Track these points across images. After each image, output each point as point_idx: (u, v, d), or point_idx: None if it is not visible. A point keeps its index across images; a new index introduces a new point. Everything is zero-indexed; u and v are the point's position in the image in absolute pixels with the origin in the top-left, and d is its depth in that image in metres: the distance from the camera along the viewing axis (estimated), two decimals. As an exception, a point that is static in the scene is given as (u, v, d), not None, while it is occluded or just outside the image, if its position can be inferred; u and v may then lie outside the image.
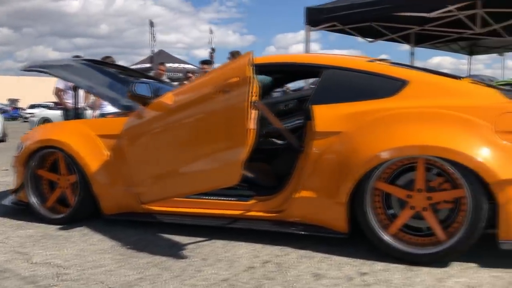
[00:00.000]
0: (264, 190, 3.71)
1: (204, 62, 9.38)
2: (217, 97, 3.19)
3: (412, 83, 3.28)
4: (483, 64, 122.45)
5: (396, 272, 2.87)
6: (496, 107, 3.00)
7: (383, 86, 3.32)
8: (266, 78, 4.31)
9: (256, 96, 3.23)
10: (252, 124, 3.13)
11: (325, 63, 3.58)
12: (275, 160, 4.13)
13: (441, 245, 2.98)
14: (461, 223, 2.96)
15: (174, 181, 3.43)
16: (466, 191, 2.91)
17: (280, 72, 4.45)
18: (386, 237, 3.10)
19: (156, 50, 23.36)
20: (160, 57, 21.64)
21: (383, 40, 8.08)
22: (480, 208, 2.87)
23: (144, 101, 3.69)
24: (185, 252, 3.30)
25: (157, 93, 3.75)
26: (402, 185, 3.16)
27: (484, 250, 3.09)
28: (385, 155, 3.05)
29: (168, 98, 3.54)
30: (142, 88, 3.66)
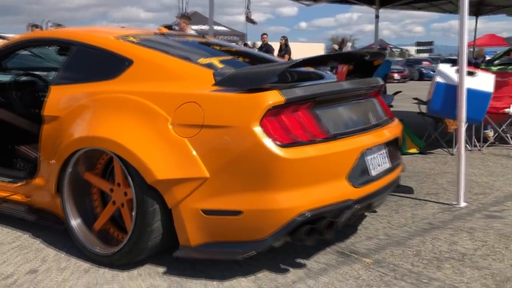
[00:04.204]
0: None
1: (165, 27, 9.12)
2: None
3: (136, 63, 2.90)
4: None
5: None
6: (180, 95, 2.57)
7: (112, 66, 2.97)
8: None
9: None
10: None
11: (72, 38, 3.26)
12: None
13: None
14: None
15: None
16: (132, 189, 2.58)
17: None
18: (80, 234, 2.85)
19: (190, 11, 23.11)
20: (194, 19, 21.57)
21: (328, 2, 7.21)
22: (145, 210, 2.53)
23: None
24: None
25: None
26: (111, 178, 2.89)
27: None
28: (75, 143, 2.79)
29: None
30: None
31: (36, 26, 8.33)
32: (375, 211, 3.62)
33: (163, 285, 2.50)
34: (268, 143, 2.34)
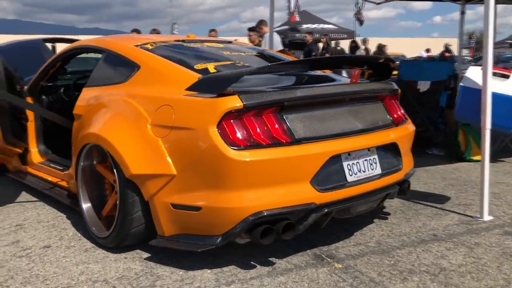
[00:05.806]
0: None
1: (250, 29, 9.44)
2: None
3: (142, 68, 3.23)
4: None
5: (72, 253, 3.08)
6: (160, 99, 2.82)
7: (126, 70, 3.32)
8: None
9: None
10: None
11: (102, 46, 3.69)
12: None
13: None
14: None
15: None
16: (116, 181, 2.89)
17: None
18: (87, 216, 3.26)
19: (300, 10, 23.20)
20: (302, 18, 21.76)
21: None
22: (126, 200, 2.83)
23: None
24: None
25: None
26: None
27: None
28: (84, 139, 3.21)
29: None
30: None
31: (135, 31, 9.24)
32: (386, 218, 3.54)
33: (137, 268, 2.79)
34: (223, 145, 2.49)
